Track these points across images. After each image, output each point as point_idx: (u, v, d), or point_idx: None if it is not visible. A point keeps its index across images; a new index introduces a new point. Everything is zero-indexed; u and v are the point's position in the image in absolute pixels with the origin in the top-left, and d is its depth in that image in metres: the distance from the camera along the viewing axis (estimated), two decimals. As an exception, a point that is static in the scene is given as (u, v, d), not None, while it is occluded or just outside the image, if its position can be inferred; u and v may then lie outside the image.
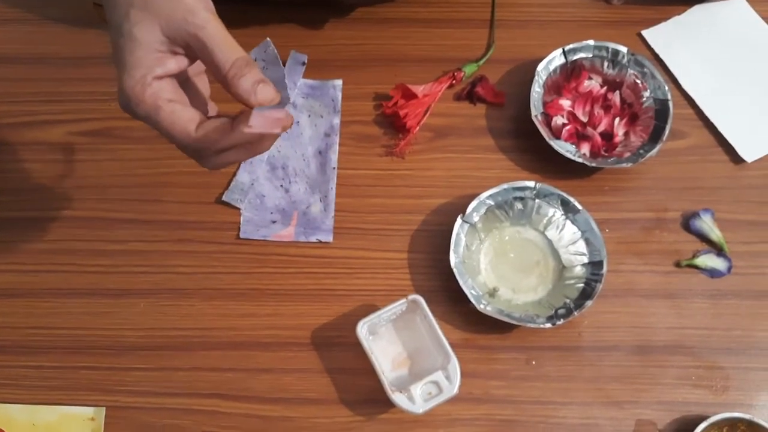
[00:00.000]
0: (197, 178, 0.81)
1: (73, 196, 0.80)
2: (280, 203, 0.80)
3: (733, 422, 0.69)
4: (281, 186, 0.80)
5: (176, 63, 0.51)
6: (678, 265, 0.78)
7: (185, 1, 0.49)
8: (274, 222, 0.79)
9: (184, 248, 0.78)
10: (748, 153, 0.81)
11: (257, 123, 0.49)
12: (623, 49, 0.82)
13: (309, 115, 0.83)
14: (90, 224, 0.79)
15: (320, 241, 0.78)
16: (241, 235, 0.78)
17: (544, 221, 0.78)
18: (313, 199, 0.80)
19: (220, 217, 0.79)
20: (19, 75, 0.86)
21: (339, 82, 0.84)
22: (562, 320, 0.72)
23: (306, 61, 0.83)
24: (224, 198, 0.79)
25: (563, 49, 0.82)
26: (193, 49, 0.50)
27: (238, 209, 0.79)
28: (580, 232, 0.77)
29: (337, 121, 0.83)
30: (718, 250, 0.78)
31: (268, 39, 0.53)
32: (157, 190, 0.81)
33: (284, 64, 0.81)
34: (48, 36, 0.88)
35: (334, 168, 0.81)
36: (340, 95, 0.84)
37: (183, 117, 0.51)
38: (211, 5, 0.51)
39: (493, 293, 0.76)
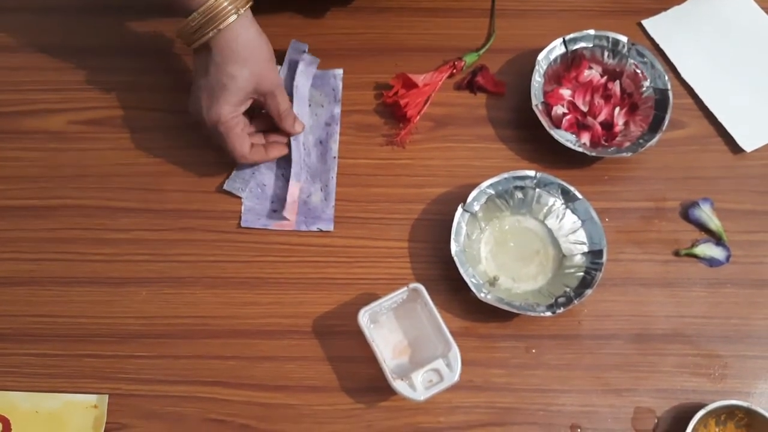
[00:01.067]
0: (198, 167, 0.82)
1: (75, 185, 0.81)
2: (281, 192, 0.80)
3: (730, 410, 0.70)
4: (282, 175, 0.80)
5: (247, 104, 0.76)
6: (677, 254, 0.78)
7: (273, 72, 0.75)
8: (275, 211, 0.79)
9: (185, 237, 0.79)
10: (747, 143, 0.82)
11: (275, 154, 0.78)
12: (623, 39, 0.82)
13: (310, 105, 0.83)
14: (92, 213, 0.80)
15: (321, 230, 0.78)
16: (242, 224, 0.78)
17: (545, 210, 0.78)
18: (314, 189, 0.80)
19: (222, 206, 0.80)
20: (20, 64, 0.87)
21: (339, 72, 0.84)
22: (561, 309, 0.73)
23: (307, 50, 0.84)
24: (225, 187, 0.79)
25: (564, 39, 0.83)
26: (266, 97, 0.76)
27: (240, 198, 0.80)
28: (580, 221, 0.77)
29: (337, 110, 0.83)
30: (717, 239, 0.79)
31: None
32: (158, 179, 0.81)
33: (285, 54, 0.84)
34: (49, 26, 0.89)
35: (334, 157, 0.81)
36: (340, 84, 0.84)
37: (245, 143, 0.76)
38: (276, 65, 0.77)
39: (493, 282, 0.76)
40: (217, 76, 0.72)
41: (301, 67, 0.83)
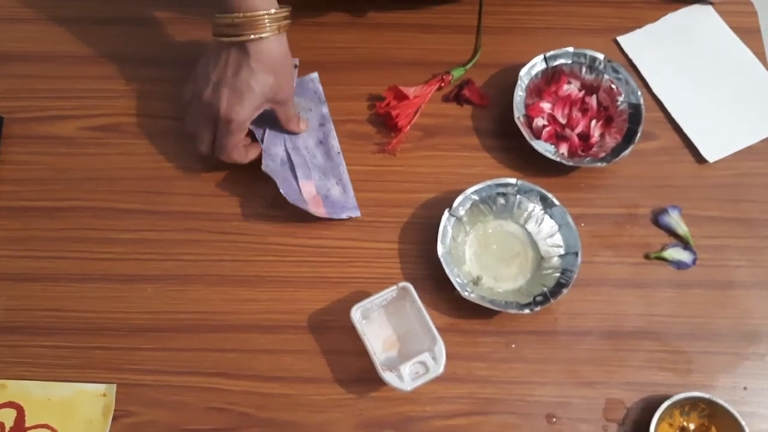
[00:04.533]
0: (202, 172, 0.83)
1: (85, 188, 0.83)
2: (304, 189, 0.81)
3: (694, 401, 0.72)
4: (297, 179, 0.82)
5: (263, 110, 0.77)
6: (647, 257, 0.81)
7: (291, 83, 0.78)
8: (305, 201, 0.80)
9: (189, 237, 0.81)
10: (711, 154, 0.85)
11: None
12: (600, 56, 0.85)
13: (298, 112, 0.84)
14: (101, 214, 0.82)
15: (351, 217, 0.81)
16: (286, 196, 0.78)
17: (525, 215, 0.81)
18: (330, 184, 0.82)
19: (224, 209, 0.82)
20: (32, 72, 0.89)
21: (315, 75, 0.87)
22: (539, 307, 0.75)
23: (298, 64, 0.85)
24: (263, 168, 0.79)
25: (544, 56, 0.86)
26: (279, 104, 0.78)
27: (240, 200, 0.82)
28: (557, 226, 0.80)
29: (325, 110, 0.86)
30: (685, 243, 0.81)
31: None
32: (164, 183, 0.83)
33: None
34: (61, 36, 0.91)
35: (338, 152, 0.84)
36: (320, 86, 0.87)
37: (240, 146, 0.78)
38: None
39: (476, 281, 0.79)
40: (248, 80, 0.73)
41: None
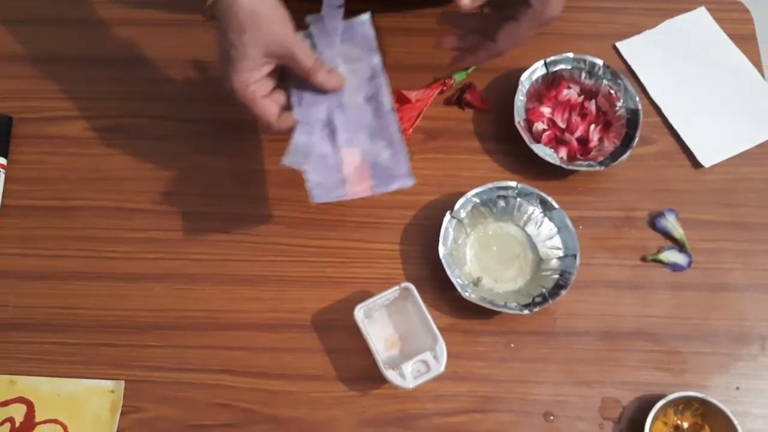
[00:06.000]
0: (207, 172, 0.84)
1: (93, 188, 0.84)
2: (346, 159, 0.72)
3: (688, 400, 0.73)
4: (341, 143, 0.73)
5: (268, 68, 0.70)
6: (644, 259, 0.82)
7: (283, 32, 0.69)
8: (344, 181, 0.72)
9: (196, 237, 0.82)
10: (706, 159, 0.86)
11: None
12: (599, 62, 0.87)
13: (345, 62, 0.74)
14: (108, 214, 0.83)
15: (401, 189, 0.72)
16: (315, 200, 0.71)
17: (525, 218, 0.82)
18: (379, 148, 0.73)
19: (229, 209, 0.83)
20: (41, 73, 0.89)
21: (366, 17, 0.75)
22: (538, 308, 0.76)
23: (342, 4, 0.73)
24: (285, 162, 0.72)
25: (545, 61, 0.87)
26: (285, 58, 0.70)
27: (246, 201, 0.83)
28: (556, 229, 0.81)
29: (377, 59, 0.75)
30: (680, 246, 0.82)
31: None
32: (170, 183, 0.84)
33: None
34: (69, 37, 0.91)
35: (390, 110, 0.73)
36: (371, 31, 0.75)
37: (269, 110, 0.71)
38: (291, 25, 0.70)
39: (477, 282, 0.80)
40: (224, 46, 0.68)
41: (323, 26, 0.73)
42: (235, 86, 0.69)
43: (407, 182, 0.72)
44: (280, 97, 0.73)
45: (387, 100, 0.74)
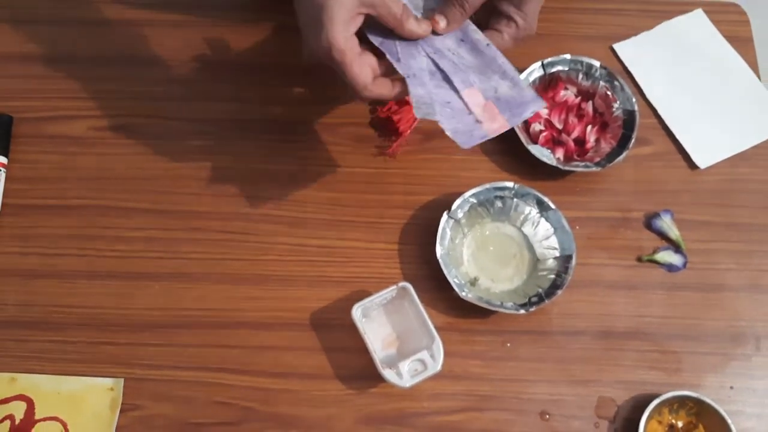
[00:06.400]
0: (208, 172, 0.85)
1: (93, 187, 0.84)
2: (469, 101, 0.69)
3: (682, 400, 0.73)
4: (459, 86, 0.69)
5: (359, 21, 0.66)
6: (640, 260, 0.83)
7: None
8: (479, 122, 0.68)
9: (195, 236, 0.82)
10: (702, 160, 0.87)
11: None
12: (596, 63, 0.87)
13: (422, 13, 0.70)
14: (109, 213, 0.83)
15: (535, 113, 0.70)
16: (463, 146, 0.67)
17: (521, 218, 0.82)
18: (494, 82, 0.69)
19: (229, 209, 0.83)
20: (44, 73, 0.89)
21: None
22: (534, 307, 0.76)
23: None
24: (417, 116, 0.67)
25: (542, 62, 0.87)
26: (375, 6, 0.65)
27: (245, 200, 0.83)
28: (552, 229, 0.81)
29: None
30: (676, 247, 0.83)
31: None
32: (171, 183, 0.84)
33: None
34: (70, 36, 0.92)
35: (488, 44, 0.70)
36: None
37: (365, 70, 0.66)
38: None
39: (474, 282, 0.80)
40: (308, 6, 0.65)
41: None
42: (333, 40, 0.64)
43: (539, 105, 0.69)
44: (371, 59, 0.68)
45: (480, 36, 0.71)
